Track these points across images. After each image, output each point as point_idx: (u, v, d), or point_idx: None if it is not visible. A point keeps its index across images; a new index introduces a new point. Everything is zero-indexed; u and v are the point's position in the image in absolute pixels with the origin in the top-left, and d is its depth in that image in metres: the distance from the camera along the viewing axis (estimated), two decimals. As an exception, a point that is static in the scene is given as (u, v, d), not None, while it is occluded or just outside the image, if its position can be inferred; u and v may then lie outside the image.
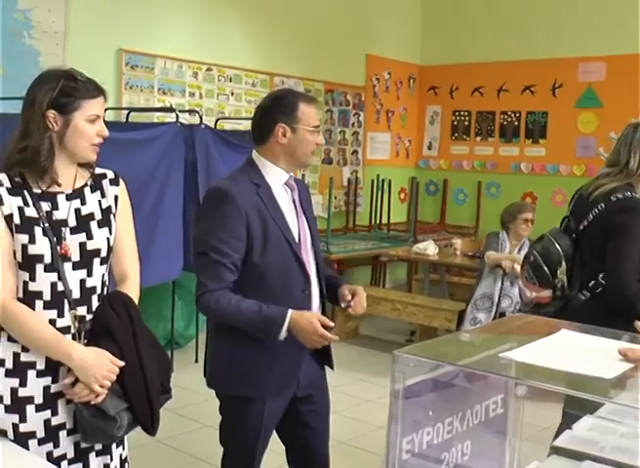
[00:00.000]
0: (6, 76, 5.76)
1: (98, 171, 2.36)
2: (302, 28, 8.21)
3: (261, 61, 7.86)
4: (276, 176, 2.67)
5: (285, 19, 8.02)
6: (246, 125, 7.34)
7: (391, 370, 1.78)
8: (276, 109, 2.64)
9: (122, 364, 2.20)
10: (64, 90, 2.19)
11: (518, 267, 5.19)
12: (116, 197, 2.35)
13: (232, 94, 7.61)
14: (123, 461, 2.41)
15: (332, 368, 2.83)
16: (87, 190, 2.30)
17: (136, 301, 2.34)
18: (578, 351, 1.98)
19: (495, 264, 5.78)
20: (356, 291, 2.70)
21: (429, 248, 6.99)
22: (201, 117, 5.80)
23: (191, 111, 6.49)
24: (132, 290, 2.36)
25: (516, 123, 9.15)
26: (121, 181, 2.40)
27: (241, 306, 2.49)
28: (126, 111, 6.30)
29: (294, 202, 2.71)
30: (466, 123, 9.57)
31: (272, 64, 7.97)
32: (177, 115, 5.53)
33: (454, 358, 1.99)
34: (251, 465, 2.73)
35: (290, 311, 2.49)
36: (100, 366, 2.15)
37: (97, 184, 2.33)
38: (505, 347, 2.02)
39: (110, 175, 2.38)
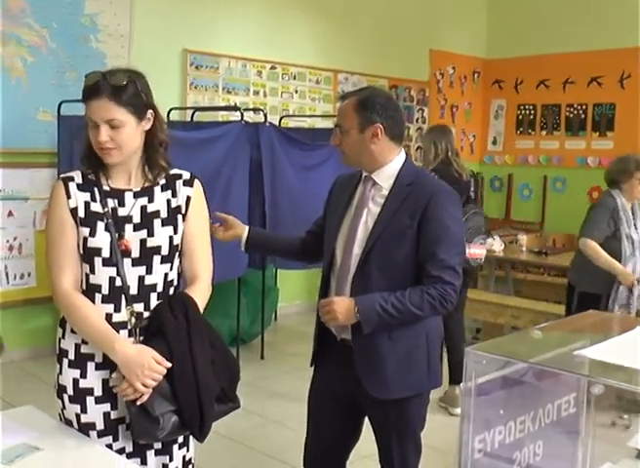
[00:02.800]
0: (77, 79, 5.89)
1: (174, 171, 2.36)
2: (366, 24, 8.19)
3: (325, 59, 7.87)
4: (364, 173, 2.73)
5: (348, 16, 8.01)
6: (310, 122, 7.38)
7: (463, 368, 1.76)
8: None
9: (169, 365, 2.17)
10: None
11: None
12: (188, 198, 2.34)
13: (296, 91, 7.63)
14: (187, 463, 2.40)
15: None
16: (157, 189, 2.32)
17: (201, 304, 2.30)
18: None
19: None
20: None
21: (495, 244, 6.91)
22: (265, 115, 5.83)
23: (255, 109, 6.53)
24: (198, 292, 2.32)
25: (582, 116, 8.98)
26: (196, 183, 2.39)
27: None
28: (191, 111, 6.37)
29: (363, 199, 2.68)
30: (531, 117, 9.43)
31: (336, 61, 7.97)
32: (241, 114, 5.57)
33: (526, 355, 1.96)
34: None
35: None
36: (141, 363, 2.14)
37: (169, 184, 2.34)
38: (578, 345, 1.99)
39: (186, 175, 2.38)
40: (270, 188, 5.77)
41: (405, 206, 2.57)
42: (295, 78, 7.63)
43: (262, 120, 5.79)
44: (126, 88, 2.17)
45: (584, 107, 8.96)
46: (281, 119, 6.82)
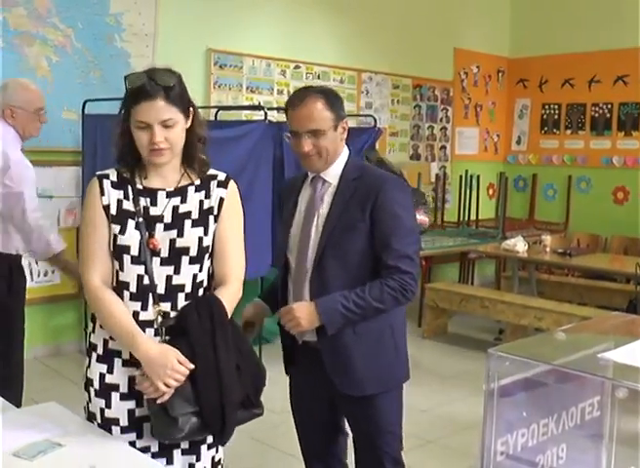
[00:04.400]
0: (102, 79, 5.93)
1: (210, 172, 2.37)
2: (389, 24, 8.17)
3: (349, 58, 7.86)
4: (310, 174, 2.68)
5: (372, 15, 8.00)
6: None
7: (485, 369, 1.75)
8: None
9: (192, 366, 2.17)
10: (124, 97, 2.23)
11: None
12: (221, 199, 2.33)
13: (320, 91, 7.62)
14: (216, 464, 2.40)
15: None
16: (190, 189, 2.32)
17: (229, 306, 2.29)
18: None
19: None
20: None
21: (518, 244, 6.86)
22: (289, 114, 5.82)
23: (279, 109, 6.52)
24: (226, 294, 2.31)
25: (608, 115, 8.90)
26: (231, 184, 2.38)
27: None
28: (214, 110, 6.39)
29: (314, 198, 2.63)
30: (556, 116, 9.37)
31: (360, 61, 7.96)
32: (265, 113, 5.57)
33: (549, 357, 1.95)
34: None
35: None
36: (164, 363, 2.14)
37: (203, 185, 2.34)
38: (602, 347, 1.97)
39: (221, 177, 2.37)
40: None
41: (354, 200, 2.55)
42: (319, 77, 7.63)
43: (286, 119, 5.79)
44: (174, 87, 2.19)
45: (610, 106, 8.88)
46: (304, 118, 6.82)
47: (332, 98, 2.56)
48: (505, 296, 6.60)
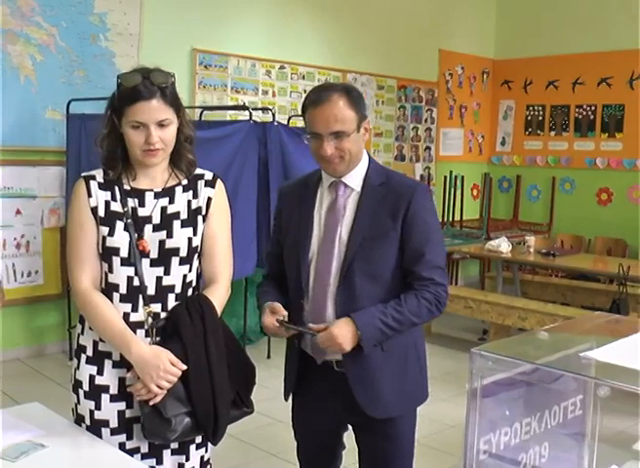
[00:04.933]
0: (86, 78, 5.91)
1: (197, 171, 2.36)
2: (375, 25, 8.19)
3: (334, 59, 7.87)
4: (326, 178, 2.46)
5: (357, 16, 8.01)
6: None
7: (468, 369, 1.76)
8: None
9: (184, 367, 2.17)
10: (116, 95, 2.21)
11: None
12: (209, 199, 2.33)
13: (305, 91, 7.62)
14: (205, 463, 2.40)
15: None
16: (178, 189, 2.31)
17: (219, 306, 2.30)
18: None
19: None
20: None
21: (502, 245, 6.89)
22: (274, 115, 5.83)
23: (264, 109, 6.53)
24: (216, 293, 2.31)
25: (591, 117, 8.95)
26: (218, 184, 2.37)
27: (257, 292, 2.56)
28: (199, 110, 6.38)
29: (336, 206, 2.42)
30: (540, 117, 9.41)
31: (345, 61, 7.97)
32: (250, 113, 5.57)
33: (532, 357, 1.96)
34: None
35: (267, 303, 2.42)
36: (156, 364, 2.14)
37: (191, 185, 2.33)
38: (584, 347, 1.98)
39: (208, 176, 2.37)
40: (277, 188, 5.76)
41: (384, 207, 2.37)
42: (303, 78, 7.63)
43: (271, 119, 5.80)
44: (169, 87, 2.20)
45: (594, 108, 8.93)
46: (289, 119, 6.81)
47: (355, 96, 2.35)
48: (489, 297, 6.62)
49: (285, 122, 6.44)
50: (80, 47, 5.90)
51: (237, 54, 7.02)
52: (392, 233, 2.35)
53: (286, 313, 2.35)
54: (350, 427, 2.64)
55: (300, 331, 2.34)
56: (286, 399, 2.66)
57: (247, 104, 6.55)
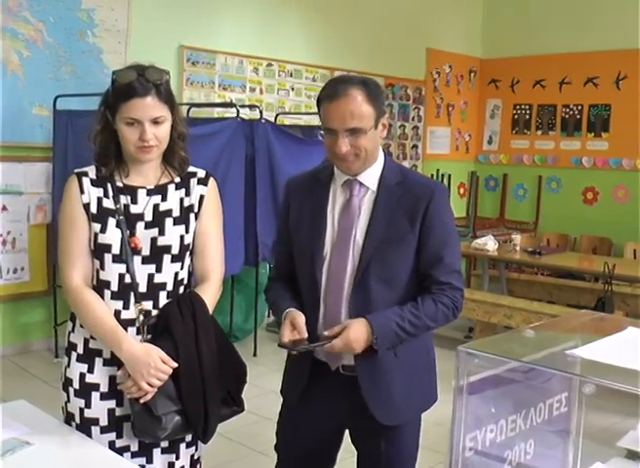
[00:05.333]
0: (73, 74, 5.89)
1: (190, 169, 2.36)
2: (363, 23, 8.19)
3: (322, 56, 7.86)
4: (339, 176, 2.35)
5: (345, 14, 8.01)
6: (306, 120, 7.37)
7: (455, 366, 1.76)
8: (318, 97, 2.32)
9: (175, 365, 2.17)
10: (110, 91, 2.21)
11: None
12: (201, 196, 2.33)
13: (292, 89, 7.63)
14: (195, 462, 2.40)
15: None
16: (171, 187, 2.31)
17: (211, 304, 2.29)
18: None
19: None
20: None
21: (489, 243, 6.92)
22: (261, 112, 5.83)
23: (252, 106, 6.53)
24: (207, 291, 2.31)
25: (578, 116, 8.99)
26: (211, 181, 2.37)
27: (269, 296, 2.46)
28: (186, 107, 6.37)
29: (351, 206, 2.32)
30: (527, 116, 9.44)
31: (332, 59, 7.96)
32: (237, 110, 5.56)
33: (518, 355, 1.97)
34: None
35: (287, 310, 2.30)
36: (147, 362, 2.13)
37: (183, 182, 2.33)
38: (570, 344, 1.99)
39: (200, 174, 2.37)
40: (263, 185, 5.77)
41: (401, 208, 2.27)
42: (291, 75, 7.63)
43: (258, 117, 5.79)
44: (164, 84, 2.19)
45: (580, 108, 8.97)
46: (277, 116, 6.81)
47: (374, 91, 2.24)
48: (475, 294, 6.63)
49: (272, 119, 6.44)
50: (67, 43, 5.87)
51: (225, 51, 7.01)
52: (410, 236, 2.27)
53: (306, 335, 2.23)
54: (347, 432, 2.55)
55: (316, 348, 2.24)
56: (287, 405, 2.57)
57: (234, 102, 6.54)
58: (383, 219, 2.27)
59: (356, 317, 2.23)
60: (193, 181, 2.34)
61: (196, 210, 2.32)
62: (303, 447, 2.51)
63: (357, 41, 8.15)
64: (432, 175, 8.91)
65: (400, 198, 2.28)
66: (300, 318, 2.26)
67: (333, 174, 2.36)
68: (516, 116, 9.55)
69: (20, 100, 5.67)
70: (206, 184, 2.36)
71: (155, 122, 2.17)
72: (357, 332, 2.18)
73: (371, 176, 2.32)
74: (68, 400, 2.29)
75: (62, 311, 5.78)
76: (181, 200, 2.31)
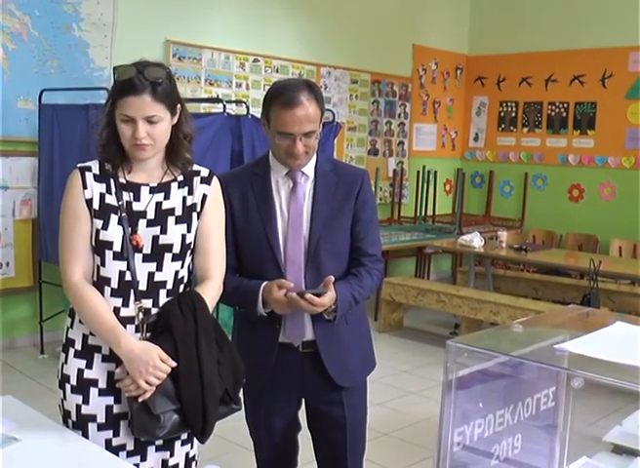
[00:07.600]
0: (59, 68, 5.85)
1: (193, 168, 2.33)
2: (349, 19, 8.19)
3: (308, 52, 7.86)
4: (278, 167, 2.55)
5: (331, 10, 8.01)
6: (292, 116, 7.35)
7: (443, 361, 1.77)
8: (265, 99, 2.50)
9: (174, 364, 2.16)
10: (112, 87, 2.21)
11: None
12: (204, 195, 2.31)
13: (279, 84, 7.60)
14: (190, 460, 2.38)
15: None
16: (174, 185, 2.29)
17: (211, 303, 2.28)
18: (633, 343, 1.95)
19: None
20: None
21: (475, 240, 6.94)
22: (248, 108, 5.81)
23: (238, 102, 6.51)
24: (208, 291, 2.29)
25: (564, 114, 9.02)
26: (214, 181, 2.35)
27: (227, 285, 2.47)
28: (173, 102, 6.34)
29: (297, 192, 2.54)
30: (513, 114, 9.47)
31: (319, 55, 7.96)
32: (224, 106, 5.55)
33: (507, 349, 1.97)
34: None
35: (263, 284, 2.47)
36: (146, 361, 2.12)
37: (186, 181, 2.31)
38: (558, 339, 2.00)
39: (204, 173, 2.34)
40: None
41: (339, 190, 2.56)
42: (277, 71, 7.62)
43: (245, 112, 5.78)
44: (162, 83, 2.16)
45: (566, 105, 9.00)
46: (263, 112, 6.78)
47: (318, 92, 2.48)
48: (461, 291, 6.66)
49: (259, 115, 6.41)
50: (53, 36, 5.84)
51: (211, 46, 6.99)
52: (347, 210, 2.56)
53: (292, 285, 2.43)
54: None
55: (317, 293, 2.41)
56: (252, 391, 2.69)
57: (221, 97, 6.52)
58: (325, 200, 2.55)
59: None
60: (196, 180, 2.32)
61: (199, 209, 2.30)
62: (276, 430, 2.75)
63: (343, 37, 8.15)
64: (418, 172, 8.93)
65: (336, 181, 2.58)
66: (282, 279, 2.47)
67: (269, 167, 2.58)
68: (502, 113, 9.58)
69: (5, 94, 5.63)
70: (209, 183, 2.34)
71: (149, 121, 2.14)
72: (329, 297, 2.43)
73: (309, 166, 2.57)
74: (64, 397, 2.26)
75: (48, 307, 5.75)
76: (184, 199, 2.29)
